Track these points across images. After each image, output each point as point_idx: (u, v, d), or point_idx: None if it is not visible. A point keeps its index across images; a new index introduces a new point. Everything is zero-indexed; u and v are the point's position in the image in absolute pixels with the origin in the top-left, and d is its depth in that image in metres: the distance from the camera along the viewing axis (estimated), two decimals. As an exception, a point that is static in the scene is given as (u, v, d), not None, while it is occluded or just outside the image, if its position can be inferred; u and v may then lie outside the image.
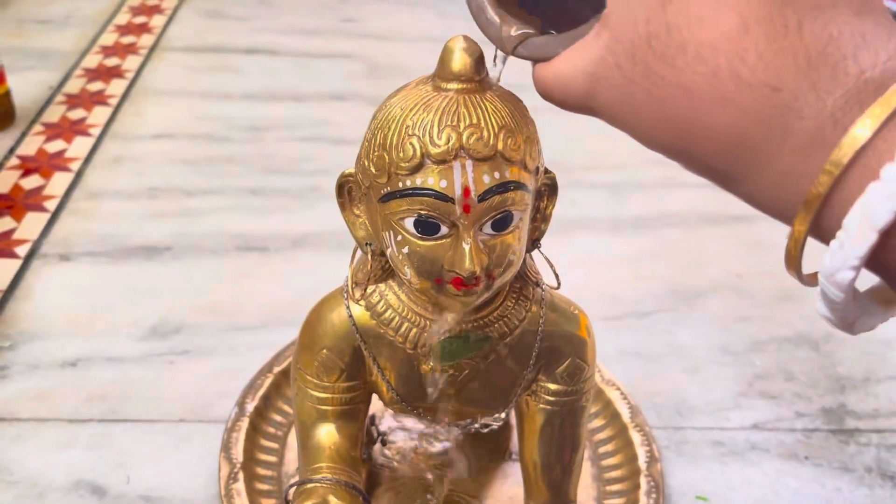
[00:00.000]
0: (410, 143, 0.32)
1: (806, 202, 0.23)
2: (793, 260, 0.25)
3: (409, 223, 0.33)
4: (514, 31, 0.31)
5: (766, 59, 0.23)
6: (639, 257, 0.73)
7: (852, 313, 0.25)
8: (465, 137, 0.32)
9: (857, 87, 0.22)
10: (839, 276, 0.23)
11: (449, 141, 0.32)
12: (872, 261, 0.23)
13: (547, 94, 0.29)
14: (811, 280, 0.26)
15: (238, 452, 0.52)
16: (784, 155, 0.23)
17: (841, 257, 0.22)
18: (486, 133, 0.32)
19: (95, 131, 0.86)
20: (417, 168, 0.32)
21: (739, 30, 0.23)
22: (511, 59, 0.32)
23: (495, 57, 0.33)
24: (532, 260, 0.40)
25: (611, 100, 0.26)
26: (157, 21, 1.10)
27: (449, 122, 0.32)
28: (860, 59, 0.23)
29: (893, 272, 0.23)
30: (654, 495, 0.50)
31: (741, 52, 0.23)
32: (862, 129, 0.22)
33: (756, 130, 0.24)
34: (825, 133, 0.23)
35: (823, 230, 0.24)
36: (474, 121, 0.32)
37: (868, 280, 0.25)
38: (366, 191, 0.35)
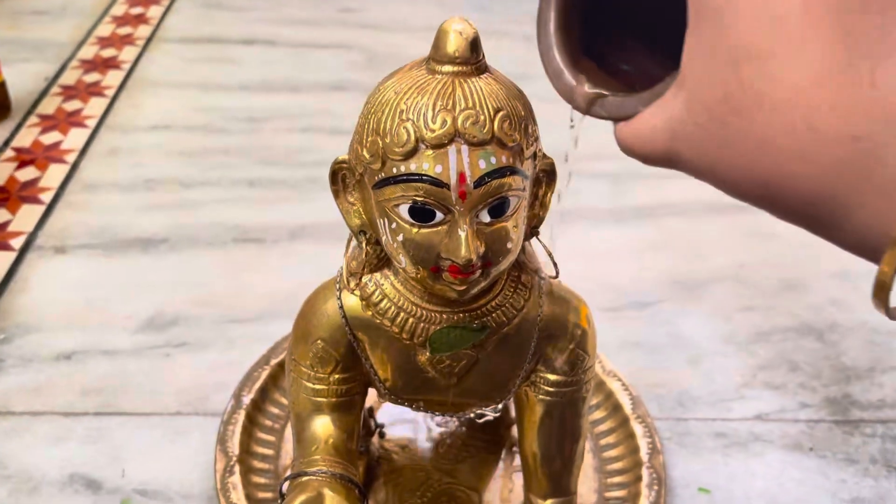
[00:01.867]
0: (404, 128, 0.31)
1: (894, 240, 0.23)
2: (881, 298, 0.25)
3: (403, 210, 0.33)
4: (589, 90, 0.31)
5: (840, 110, 0.23)
6: (640, 247, 0.73)
7: None
8: (460, 121, 0.31)
9: None
10: None
11: (444, 125, 0.31)
12: None
13: (629, 151, 0.30)
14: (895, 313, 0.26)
15: (234, 445, 0.51)
16: (869, 200, 0.24)
17: None
18: (482, 117, 0.31)
19: (91, 123, 0.85)
20: (412, 153, 0.31)
21: (812, 83, 0.23)
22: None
23: (572, 119, 0.34)
24: (531, 248, 0.39)
25: (692, 155, 0.27)
26: (154, 12, 1.09)
27: (444, 106, 0.31)
28: None
29: None
30: (655, 487, 0.50)
31: (816, 105, 0.23)
32: None
33: (837, 180, 0.24)
34: None
35: None
36: (470, 104, 0.31)
37: None
38: (359, 177, 0.34)
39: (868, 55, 0.23)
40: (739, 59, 0.25)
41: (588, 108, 0.31)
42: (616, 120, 0.31)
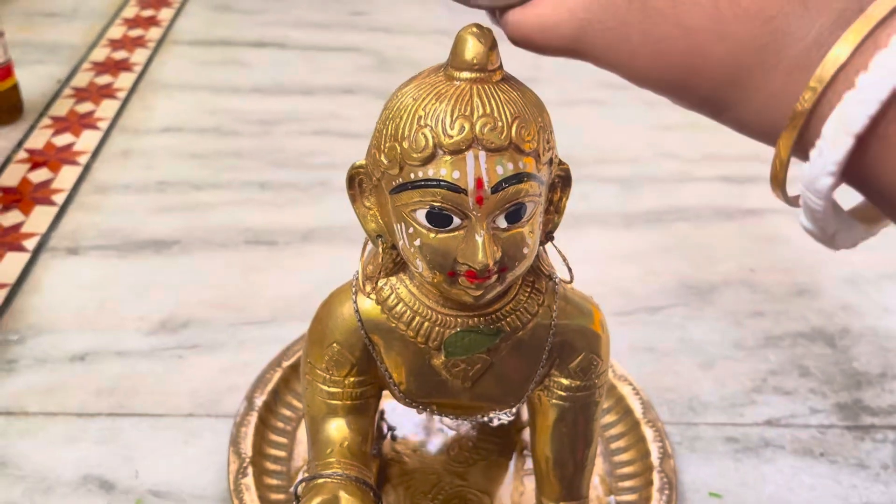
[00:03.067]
0: (423, 134, 0.31)
1: (791, 119, 0.24)
2: (778, 179, 0.26)
3: (420, 215, 0.33)
4: None
5: None
6: (651, 252, 0.73)
7: (832, 225, 0.26)
8: (478, 128, 0.31)
9: (843, 9, 0.23)
10: (819, 184, 0.24)
11: (462, 131, 0.31)
12: (851, 172, 0.23)
13: (525, 41, 0.29)
14: (795, 201, 0.26)
15: (247, 447, 0.51)
16: (775, 78, 0.24)
17: (820, 164, 0.23)
18: (499, 123, 0.31)
19: (104, 125, 0.86)
20: (430, 159, 0.32)
21: None
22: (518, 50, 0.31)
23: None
24: (546, 253, 0.40)
25: (603, 42, 0.27)
26: (165, 14, 1.09)
27: (462, 112, 0.31)
28: None
29: (871, 183, 0.24)
30: (666, 492, 0.50)
31: None
32: (843, 47, 0.23)
33: (751, 59, 0.24)
34: (811, 54, 0.24)
35: (808, 148, 0.24)
36: (488, 111, 0.31)
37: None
38: (377, 182, 0.35)
39: None
40: None
41: None
42: (500, 9, 0.29)
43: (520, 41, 0.29)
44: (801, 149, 0.25)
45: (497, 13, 0.30)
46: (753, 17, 0.24)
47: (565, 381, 0.41)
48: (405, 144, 0.32)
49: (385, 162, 0.33)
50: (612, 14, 0.26)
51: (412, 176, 0.32)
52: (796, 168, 0.26)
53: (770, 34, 0.24)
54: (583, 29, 0.27)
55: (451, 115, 0.31)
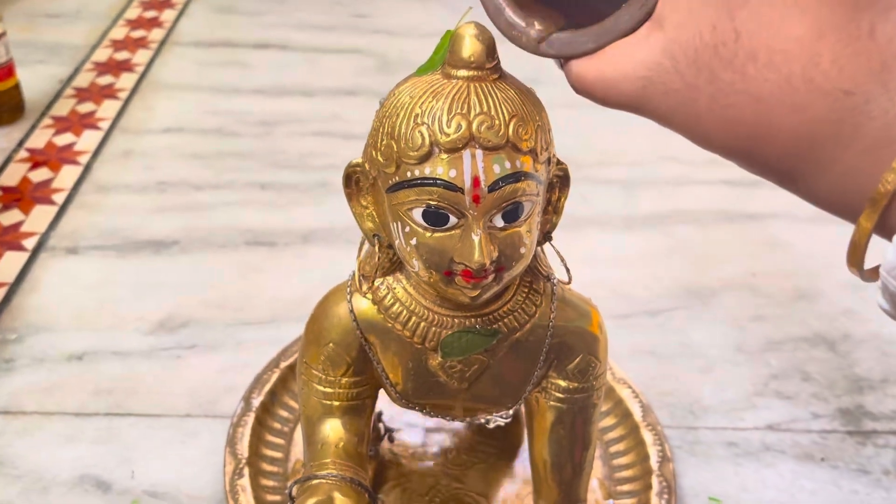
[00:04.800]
0: (419, 132, 0.31)
1: (872, 199, 0.23)
2: (857, 256, 0.24)
3: (417, 214, 0.33)
4: (537, 29, 0.29)
5: (840, 63, 0.23)
6: (652, 255, 0.72)
7: None
8: (475, 126, 0.31)
9: None
10: None
11: (459, 129, 0.31)
12: None
13: (587, 92, 0.28)
14: (871, 275, 0.25)
15: (243, 448, 0.51)
16: (851, 154, 0.23)
17: None
18: (496, 122, 0.31)
19: (105, 125, 0.85)
20: (426, 157, 0.31)
21: (813, 36, 0.23)
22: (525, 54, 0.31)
23: None
24: (544, 254, 0.39)
25: (667, 104, 0.26)
26: (168, 15, 1.09)
27: (459, 110, 0.31)
28: None
29: None
30: (665, 496, 0.49)
31: (815, 57, 0.23)
32: None
33: (825, 133, 0.23)
34: (891, 133, 0.22)
35: (889, 227, 0.23)
36: (485, 109, 0.31)
37: None
38: (373, 181, 0.35)
39: (868, 7, 0.23)
40: (733, 3, 0.23)
41: (536, 46, 0.29)
42: (566, 58, 0.29)
43: (581, 92, 0.29)
44: (882, 227, 0.24)
45: (561, 61, 0.30)
46: (828, 93, 0.23)
47: (563, 383, 0.41)
48: (402, 143, 0.32)
49: (381, 160, 0.33)
50: (677, 77, 0.25)
51: (408, 174, 0.32)
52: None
53: (846, 110, 0.23)
54: (645, 88, 0.26)
55: (448, 113, 0.31)
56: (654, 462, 0.51)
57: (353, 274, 0.39)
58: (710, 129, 0.25)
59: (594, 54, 0.28)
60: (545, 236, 0.37)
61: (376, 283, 0.38)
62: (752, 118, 0.24)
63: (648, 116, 0.27)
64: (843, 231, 0.26)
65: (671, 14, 0.25)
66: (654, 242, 0.74)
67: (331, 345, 0.39)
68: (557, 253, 0.39)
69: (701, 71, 0.24)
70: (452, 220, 0.32)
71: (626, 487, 0.51)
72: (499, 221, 0.33)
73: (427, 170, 0.31)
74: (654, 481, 0.50)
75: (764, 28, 0.23)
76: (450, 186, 0.31)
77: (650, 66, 0.26)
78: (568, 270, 0.39)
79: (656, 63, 0.25)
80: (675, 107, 0.26)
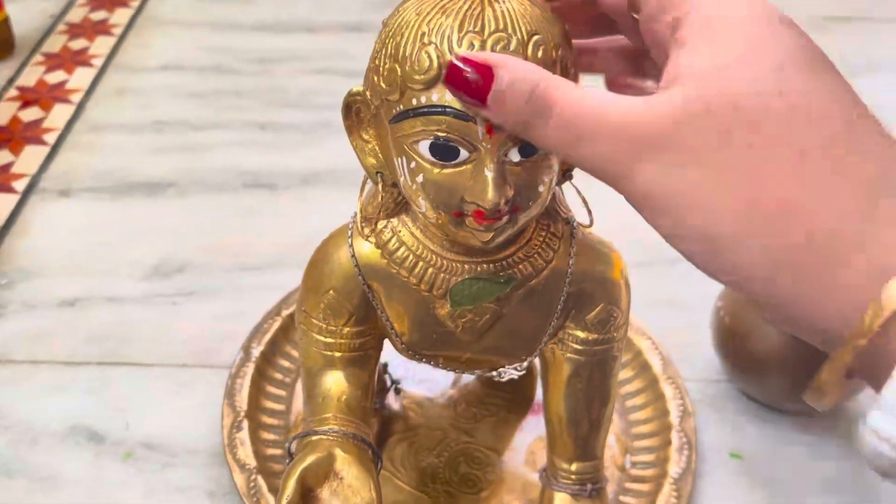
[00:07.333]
0: (426, 53, 0.28)
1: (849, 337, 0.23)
2: (824, 395, 0.25)
3: (423, 147, 0.29)
4: None
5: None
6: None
7: None
8: (489, 45, 0.27)
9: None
10: None
11: (471, 49, 0.27)
12: None
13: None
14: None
15: (243, 400, 0.49)
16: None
17: None
18: (514, 41, 0.27)
19: (98, 62, 0.82)
20: (434, 82, 0.28)
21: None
22: None
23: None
24: (563, 194, 0.36)
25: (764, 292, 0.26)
26: (165, -52, 1.04)
27: (471, 28, 0.27)
28: None
29: None
30: (686, 452, 0.47)
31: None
32: None
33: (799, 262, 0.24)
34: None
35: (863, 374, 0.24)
36: (501, 26, 0.27)
37: None
38: (375, 111, 0.31)
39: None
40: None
41: None
42: None
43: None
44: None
45: None
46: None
47: (581, 334, 0.38)
48: (406, 66, 0.28)
49: (384, 86, 0.29)
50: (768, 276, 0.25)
51: (414, 102, 0.28)
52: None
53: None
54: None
55: (459, 32, 0.27)
56: (674, 417, 0.49)
57: (355, 216, 0.36)
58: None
59: None
60: (565, 175, 0.34)
61: (380, 226, 0.35)
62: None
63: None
64: None
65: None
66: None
67: (331, 292, 0.37)
68: (579, 193, 0.35)
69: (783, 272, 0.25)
70: (463, 154, 0.29)
71: (644, 443, 0.49)
72: (515, 156, 0.29)
73: (435, 96, 0.28)
74: (674, 437, 0.48)
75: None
76: (460, 115, 0.28)
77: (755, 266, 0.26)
78: (590, 212, 0.36)
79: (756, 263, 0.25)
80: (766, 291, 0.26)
